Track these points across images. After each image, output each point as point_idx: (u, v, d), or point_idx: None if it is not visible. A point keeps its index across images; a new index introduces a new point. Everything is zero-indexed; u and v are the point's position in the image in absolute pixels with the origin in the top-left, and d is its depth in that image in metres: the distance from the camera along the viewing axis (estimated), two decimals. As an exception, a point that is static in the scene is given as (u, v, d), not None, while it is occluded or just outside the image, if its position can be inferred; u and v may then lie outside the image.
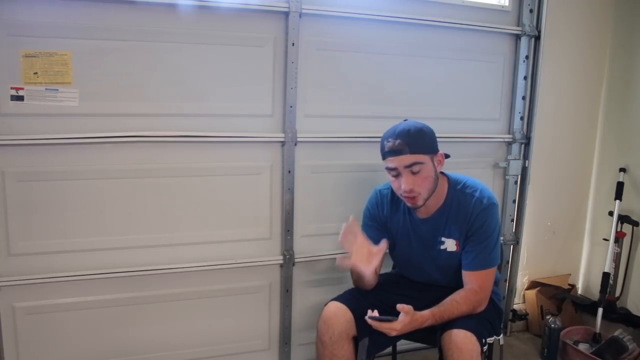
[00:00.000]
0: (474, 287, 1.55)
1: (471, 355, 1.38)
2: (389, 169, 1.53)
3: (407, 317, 1.40)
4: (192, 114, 1.80)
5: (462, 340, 1.39)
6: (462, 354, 1.37)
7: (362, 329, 1.53)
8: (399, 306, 1.40)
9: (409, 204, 1.56)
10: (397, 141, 1.48)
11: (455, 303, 1.50)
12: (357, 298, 1.60)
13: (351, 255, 1.52)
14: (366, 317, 1.42)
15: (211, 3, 1.74)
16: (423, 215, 1.63)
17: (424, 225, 1.64)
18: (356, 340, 1.58)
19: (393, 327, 1.40)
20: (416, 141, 1.49)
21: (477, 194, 1.57)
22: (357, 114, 2.02)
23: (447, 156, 1.61)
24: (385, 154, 1.53)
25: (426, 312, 1.45)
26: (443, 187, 1.61)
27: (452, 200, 1.60)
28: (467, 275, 1.58)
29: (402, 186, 1.50)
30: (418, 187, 1.50)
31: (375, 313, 1.42)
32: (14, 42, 1.58)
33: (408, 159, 1.48)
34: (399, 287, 1.73)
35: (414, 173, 1.49)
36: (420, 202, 1.53)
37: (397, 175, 1.51)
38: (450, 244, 1.61)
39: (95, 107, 1.69)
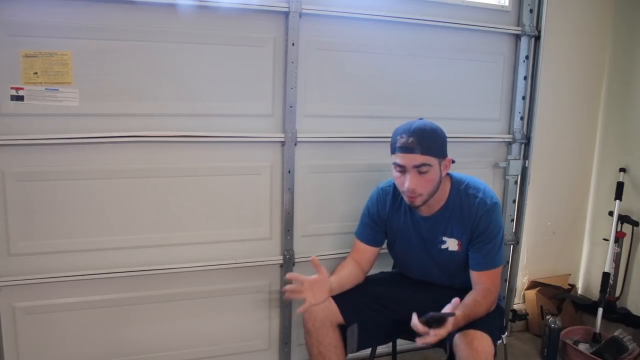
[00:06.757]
0: (488, 286, 1.54)
1: (486, 357, 1.36)
2: (396, 165, 1.52)
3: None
4: (192, 114, 1.80)
5: (479, 341, 1.37)
6: (477, 355, 1.35)
7: (349, 317, 1.54)
8: (454, 300, 1.36)
9: (407, 201, 1.57)
10: (411, 139, 1.47)
11: (477, 303, 1.47)
12: None
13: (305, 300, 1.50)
14: (414, 324, 1.31)
15: (211, 3, 1.74)
16: (425, 214, 1.63)
17: (425, 224, 1.64)
18: (344, 329, 1.57)
19: (448, 330, 1.31)
20: (429, 142, 1.48)
21: (480, 195, 1.57)
22: (357, 114, 2.02)
23: (452, 162, 1.61)
24: (395, 149, 1.52)
25: (459, 313, 1.38)
26: (446, 186, 1.61)
27: (454, 199, 1.60)
28: (478, 276, 1.57)
29: (405, 184, 1.50)
30: (421, 188, 1.50)
31: (415, 317, 1.32)
32: (14, 42, 1.58)
33: (418, 159, 1.47)
34: (392, 284, 1.73)
35: (420, 174, 1.49)
36: (419, 203, 1.54)
37: (403, 172, 1.51)
38: (451, 244, 1.61)
39: (96, 107, 1.69)
